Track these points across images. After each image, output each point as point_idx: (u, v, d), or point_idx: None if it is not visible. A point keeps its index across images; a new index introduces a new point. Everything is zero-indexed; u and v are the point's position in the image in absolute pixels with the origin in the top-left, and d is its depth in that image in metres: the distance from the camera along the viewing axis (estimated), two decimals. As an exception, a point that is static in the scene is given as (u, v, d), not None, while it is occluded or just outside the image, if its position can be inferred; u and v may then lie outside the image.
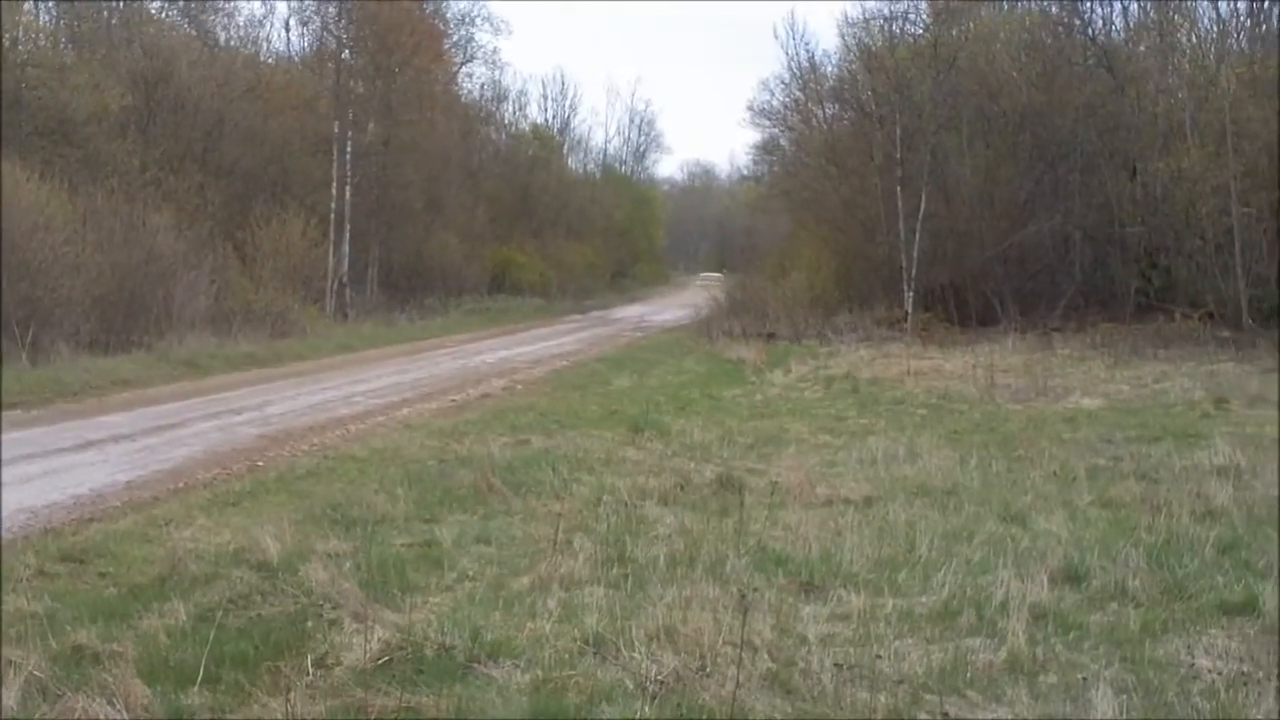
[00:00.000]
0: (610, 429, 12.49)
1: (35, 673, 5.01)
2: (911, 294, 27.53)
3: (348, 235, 31.37)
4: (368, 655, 5.45)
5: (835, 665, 5.54)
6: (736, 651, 5.39)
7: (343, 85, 33.33)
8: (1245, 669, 5.50)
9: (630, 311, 45.78)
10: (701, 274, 75.48)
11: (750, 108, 50.71)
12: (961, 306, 28.70)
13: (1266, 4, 28.80)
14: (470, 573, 6.96)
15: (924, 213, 26.49)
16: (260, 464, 10.76)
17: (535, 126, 61.62)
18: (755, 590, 6.74)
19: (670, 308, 46.54)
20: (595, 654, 5.67)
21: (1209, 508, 8.14)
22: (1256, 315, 24.39)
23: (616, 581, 6.77)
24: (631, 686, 5.22)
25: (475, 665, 5.48)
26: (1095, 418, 14.03)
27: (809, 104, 41.29)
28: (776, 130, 46.80)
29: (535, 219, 51.77)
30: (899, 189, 28.09)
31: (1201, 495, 8.44)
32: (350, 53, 34.32)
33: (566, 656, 5.64)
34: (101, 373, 17.56)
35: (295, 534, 7.33)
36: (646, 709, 4.84)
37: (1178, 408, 15.21)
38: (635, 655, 5.54)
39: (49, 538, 7.79)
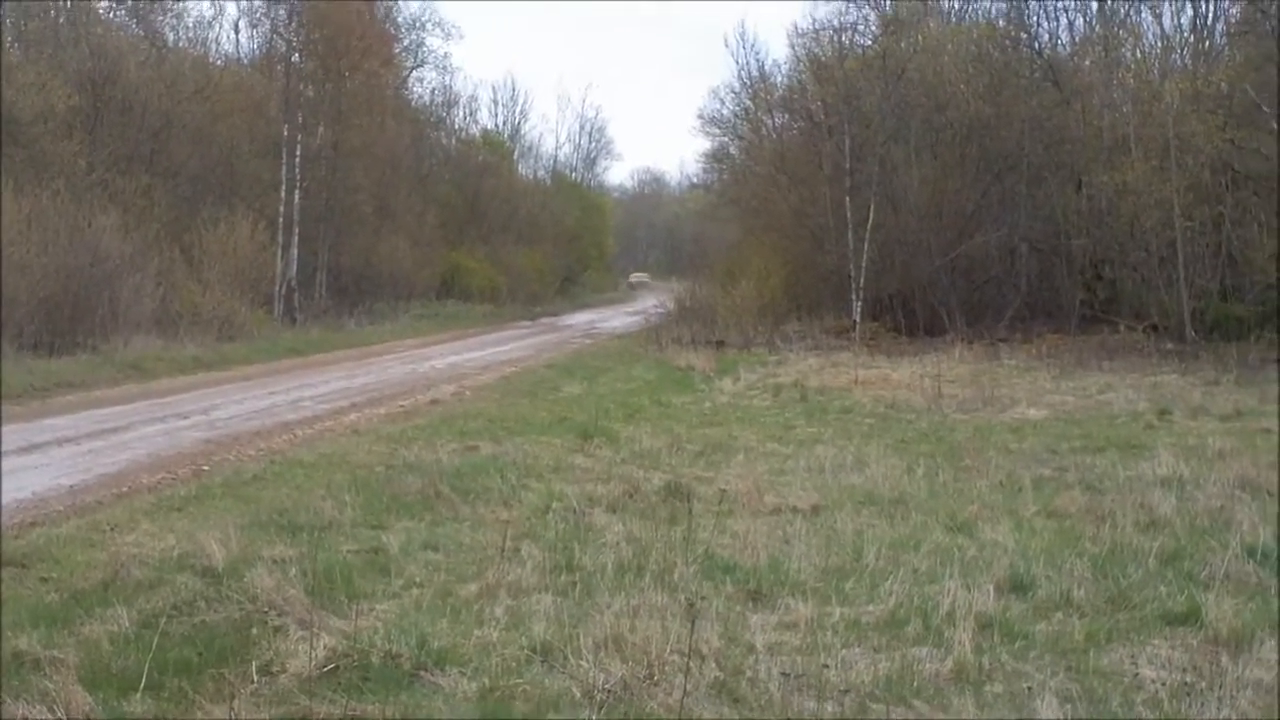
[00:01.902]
0: (559, 436, 12.46)
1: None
2: (860, 303, 27.65)
3: (296, 239, 31.12)
4: (313, 663, 5.41)
5: (783, 674, 5.56)
6: (684, 660, 5.39)
7: (292, 89, 33.07)
8: (1188, 679, 5.57)
9: (580, 318, 45.76)
10: (633, 274, 76.30)
11: (701, 116, 50.91)
12: (909, 316, 28.90)
13: (1209, 21, 29.26)
14: (417, 580, 6.92)
15: (872, 223, 26.39)
16: (206, 469, 10.65)
17: (486, 132, 61.48)
18: (703, 599, 6.75)
19: (620, 315, 46.59)
20: (543, 662, 5.65)
21: (1152, 518, 8.23)
22: (1199, 328, 24.75)
23: (564, 589, 6.76)
24: (579, 695, 5.21)
25: (422, 673, 5.45)
26: (1040, 428, 14.16)
27: (759, 113, 41.55)
28: (726, 139, 47.07)
29: (485, 225, 51.61)
30: (848, 199, 28.27)
31: (1145, 506, 8.54)
32: (300, 56, 34.08)
33: (514, 664, 5.62)
34: (46, 374, 17.35)
35: (241, 539, 7.25)
36: (594, 717, 4.84)
37: (1121, 419, 15.38)
38: (583, 663, 5.53)
39: (-11, 541, 7.68)
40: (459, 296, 44.27)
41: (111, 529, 8.04)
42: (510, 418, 14.34)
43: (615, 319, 44.35)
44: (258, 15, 36.92)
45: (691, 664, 5.55)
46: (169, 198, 27.45)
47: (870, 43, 32.51)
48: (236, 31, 41.93)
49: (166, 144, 28.84)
